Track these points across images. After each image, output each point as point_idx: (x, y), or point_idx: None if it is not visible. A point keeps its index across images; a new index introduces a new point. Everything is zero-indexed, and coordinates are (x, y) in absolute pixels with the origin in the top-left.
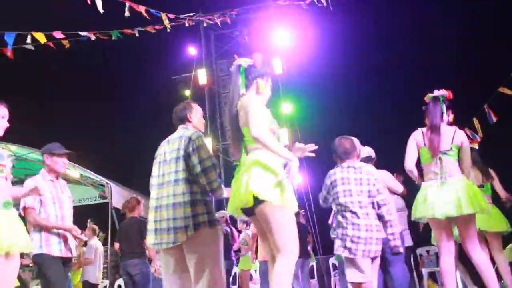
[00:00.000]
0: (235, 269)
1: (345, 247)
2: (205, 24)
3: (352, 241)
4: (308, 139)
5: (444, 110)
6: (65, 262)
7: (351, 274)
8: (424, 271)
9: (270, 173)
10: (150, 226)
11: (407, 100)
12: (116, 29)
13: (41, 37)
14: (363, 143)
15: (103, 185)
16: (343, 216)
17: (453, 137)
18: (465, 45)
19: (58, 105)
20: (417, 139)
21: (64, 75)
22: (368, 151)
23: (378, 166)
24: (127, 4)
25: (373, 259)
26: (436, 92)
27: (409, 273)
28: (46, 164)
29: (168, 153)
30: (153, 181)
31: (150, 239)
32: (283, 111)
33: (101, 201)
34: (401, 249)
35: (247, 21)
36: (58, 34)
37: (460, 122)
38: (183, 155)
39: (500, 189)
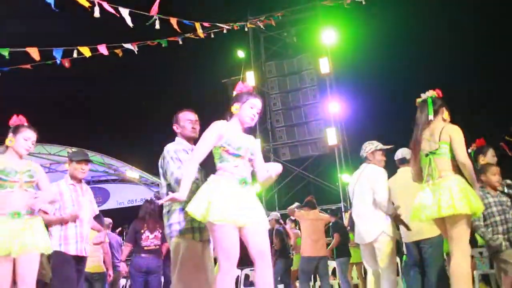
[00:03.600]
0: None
1: None
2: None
3: None
4: (353, 138)
5: (431, 112)
6: (79, 260)
7: None
8: (476, 273)
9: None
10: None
11: (455, 100)
12: (160, 37)
13: (86, 51)
14: (405, 144)
15: (158, 185)
16: None
17: (440, 134)
18: None
19: (107, 112)
20: None
21: (115, 84)
22: (400, 153)
23: None
24: (156, 16)
25: None
26: (423, 95)
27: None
28: (69, 170)
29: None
30: None
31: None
32: (330, 110)
33: (157, 201)
34: None
35: (295, 21)
36: (102, 48)
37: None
38: (161, 172)
39: None
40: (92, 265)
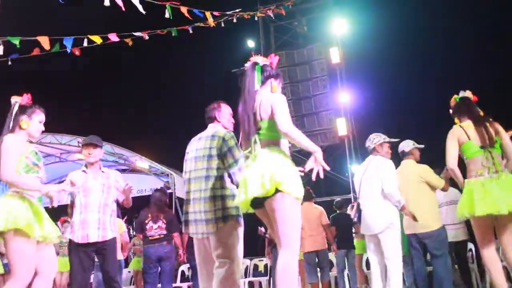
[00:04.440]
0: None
1: None
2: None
3: None
4: (363, 129)
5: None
6: (88, 246)
7: None
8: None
9: (290, 166)
10: (187, 217)
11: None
12: (172, 27)
13: (97, 39)
14: (417, 135)
15: (168, 175)
16: None
17: (494, 131)
18: None
19: (118, 102)
20: (458, 135)
21: (126, 74)
22: (403, 145)
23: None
24: (168, 5)
25: None
26: (462, 93)
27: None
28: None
29: (200, 150)
30: (186, 176)
31: (189, 229)
32: (340, 101)
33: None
34: None
35: (305, 11)
36: (113, 36)
37: None
38: (217, 154)
39: None
40: None
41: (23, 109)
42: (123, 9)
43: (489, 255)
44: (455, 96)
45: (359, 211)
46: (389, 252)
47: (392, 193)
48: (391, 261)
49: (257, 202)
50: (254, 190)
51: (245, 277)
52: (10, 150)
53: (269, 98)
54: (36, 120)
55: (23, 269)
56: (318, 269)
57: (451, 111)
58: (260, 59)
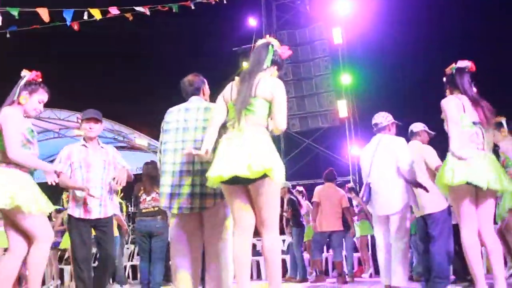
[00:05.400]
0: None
1: None
2: None
3: None
4: (364, 111)
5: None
6: (88, 223)
7: None
8: None
9: (276, 152)
10: (166, 189)
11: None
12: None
13: (97, 13)
14: (419, 118)
15: None
16: None
17: (490, 113)
18: None
19: (118, 78)
20: (457, 105)
21: (126, 50)
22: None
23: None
24: None
25: None
26: (460, 63)
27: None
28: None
29: (190, 122)
30: (167, 146)
31: (164, 202)
32: (342, 82)
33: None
34: None
35: None
36: (113, 10)
37: None
38: (203, 126)
39: None
40: None
41: (27, 85)
42: None
43: (468, 236)
44: (453, 65)
45: (368, 191)
46: (399, 232)
47: (407, 169)
48: (399, 241)
49: (234, 180)
50: (237, 169)
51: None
52: (10, 125)
53: (273, 84)
54: (35, 99)
55: (41, 230)
56: (330, 249)
57: (444, 79)
58: (275, 43)
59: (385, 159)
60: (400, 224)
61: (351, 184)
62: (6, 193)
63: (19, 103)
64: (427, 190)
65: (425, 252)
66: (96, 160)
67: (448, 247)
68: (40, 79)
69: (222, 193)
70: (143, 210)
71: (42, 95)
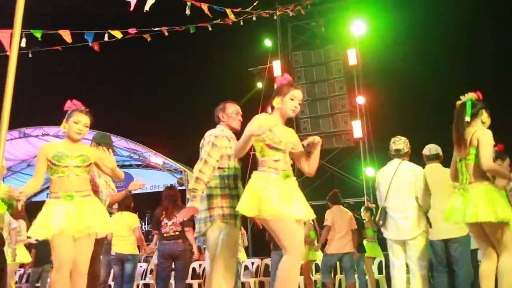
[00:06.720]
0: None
1: None
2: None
3: None
4: (378, 132)
5: (469, 114)
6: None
7: None
8: None
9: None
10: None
11: (490, 93)
12: (189, 24)
13: (117, 34)
14: (432, 139)
15: (181, 172)
16: None
17: (471, 139)
18: None
19: (138, 98)
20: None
21: (140, 71)
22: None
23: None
24: (189, 2)
25: None
26: (463, 98)
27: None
28: None
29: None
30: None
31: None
32: (357, 103)
33: (180, 187)
34: None
35: (323, 11)
36: (132, 31)
37: None
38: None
39: None
40: (126, 247)
41: (66, 115)
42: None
43: (484, 266)
44: (458, 102)
45: (384, 215)
46: (417, 258)
47: (425, 199)
48: (417, 266)
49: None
50: (246, 210)
51: (256, 276)
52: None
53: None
54: (71, 122)
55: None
56: (343, 272)
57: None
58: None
59: (403, 186)
60: (418, 249)
61: (372, 205)
62: None
63: (65, 134)
64: (430, 225)
65: (443, 273)
66: (100, 182)
67: (471, 269)
68: (72, 107)
69: (211, 218)
70: (165, 235)
71: (76, 116)
